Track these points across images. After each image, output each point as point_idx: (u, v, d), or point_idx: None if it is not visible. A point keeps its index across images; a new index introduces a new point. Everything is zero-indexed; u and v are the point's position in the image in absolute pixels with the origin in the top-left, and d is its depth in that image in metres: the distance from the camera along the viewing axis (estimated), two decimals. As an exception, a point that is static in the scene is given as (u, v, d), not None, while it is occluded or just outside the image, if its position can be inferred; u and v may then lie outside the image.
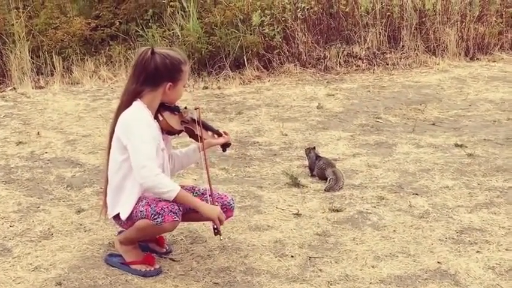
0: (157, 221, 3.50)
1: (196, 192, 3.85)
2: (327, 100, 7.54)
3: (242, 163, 5.50)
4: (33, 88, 8.13)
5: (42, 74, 8.86)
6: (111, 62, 8.99)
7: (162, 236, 3.95)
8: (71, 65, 8.91)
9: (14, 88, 8.17)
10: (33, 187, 4.91)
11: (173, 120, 3.71)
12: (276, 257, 3.89)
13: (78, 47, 9.18)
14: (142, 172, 3.46)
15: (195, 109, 3.82)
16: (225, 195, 3.86)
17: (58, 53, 9.03)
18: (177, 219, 3.53)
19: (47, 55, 8.97)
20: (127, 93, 3.62)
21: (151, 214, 3.51)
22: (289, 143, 6.03)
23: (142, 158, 3.46)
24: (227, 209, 3.82)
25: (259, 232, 4.21)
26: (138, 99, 3.59)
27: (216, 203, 3.75)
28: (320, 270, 3.75)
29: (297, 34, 9.35)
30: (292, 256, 3.91)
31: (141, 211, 3.56)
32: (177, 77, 3.63)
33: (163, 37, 9.02)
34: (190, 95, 7.81)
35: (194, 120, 3.79)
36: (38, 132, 6.20)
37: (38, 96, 7.70)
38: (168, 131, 3.72)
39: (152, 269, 3.69)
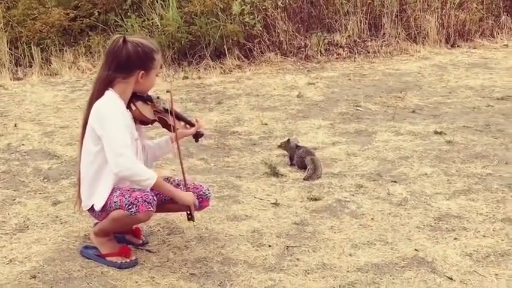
0: (131, 211, 3.47)
1: (171, 183, 3.81)
2: (307, 89, 7.52)
3: (221, 153, 5.47)
4: (11, 80, 8.07)
5: (20, 65, 8.79)
6: (90, 52, 8.92)
7: (139, 227, 3.92)
8: (49, 56, 8.83)
9: (-8, 80, 8.09)
10: (9, 179, 4.87)
11: (146, 110, 3.67)
12: (253, 247, 3.87)
13: (57, 37, 9.09)
14: (119, 161, 3.42)
15: (167, 91, 3.77)
16: (201, 185, 3.84)
17: (37, 44, 8.95)
18: (151, 209, 3.50)
19: (25, 46, 8.90)
20: (99, 81, 3.58)
21: (126, 204, 3.48)
22: (268, 132, 6.00)
23: (118, 146, 3.42)
24: (203, 199, 3.80)
25: (237, 222, 4.19)
26: (111, 89, 3.54)
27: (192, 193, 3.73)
28: (297, 259, 3.73)
29: (278, 23, 9.32)
30: (269, 246, 3.89)
31: (115, 202, 3.53)
32: (149, 65, 3.59)
33: (143, 27, 8.97)
34: (170, 85, 7.75)
35: (167, 110, 3.75)
36: (15, 124, 6.14)
37: (16, 88, 7.64)
38: (141, 120, 3.68)
39: (128, 260, 3.66)
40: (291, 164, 5.18)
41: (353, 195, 4.60)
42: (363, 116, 6.48)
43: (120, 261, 3.64)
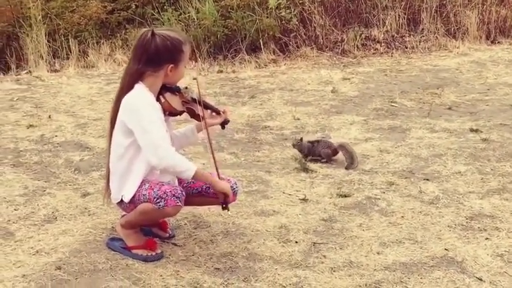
0: (159, 205, 3.46)
1: (202, 175, 3.79)
2: (342, 84, 7.45)
3: (252, 147, 5.44)
4: (48, 71, 8.14)
5: (58, 57, 8.86)
6: (127, 45, 8.96)
7: (166, 221, 3.91)
8: (86, 48, 8.89)
9: (30, 71, 8.18)
10: (40, 170, 4.89)
11: (175, 101, 3.64)
12: (279, 243, 3.83)
13: (94, 30, 9.17)
14: (159, 152, 3.40)
15: (193, 79, 3.74)
16: (229, 179, 3.80)
17: (74, 36, 9.03)
18: (179, 203, 3.48)
19: (63, 38, 8.97)
20: (128, 75, 3.56)
21: (154, 198, 3.47)
22: (301, 127, 5.95)
23: (155, 139, 3.40)
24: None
25: (264, 217, 4.15)
26: (140, 82, 3.53)
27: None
28: (324, 256, 3.68)
29: (314, 17, 9.25)
30: (296, 242, 3.85)
31: (143, 194, 3.51)
32: (178, 58, 3.57)
33: (179, 20, 8.98)
34: (204, 78, 7.76)
35: (195, 99, 3.72)
36: (50, 116, 6.19)
37: (52, 80, 7.70)
38: (170, 112, 3.66)
39: (153, 253, 3.64)
40: (312, 160, 5.10)
41: (383, 192, 4.53)
42: (398, 112, 6.39)
43: (145, 254, 3.63)
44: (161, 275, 3.47)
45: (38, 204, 4.30)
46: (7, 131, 5.80)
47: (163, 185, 3.50)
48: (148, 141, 3.40)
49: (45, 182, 4.68)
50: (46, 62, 8.51)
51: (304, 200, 4.40)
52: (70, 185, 4.64)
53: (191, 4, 9.10)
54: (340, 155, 5.06)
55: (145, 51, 3.51)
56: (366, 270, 3.53)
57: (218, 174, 3.66)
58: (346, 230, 3.99)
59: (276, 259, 3.65)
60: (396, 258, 3.65)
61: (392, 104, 6.65)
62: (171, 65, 3.54)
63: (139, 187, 3.54)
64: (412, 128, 5.88)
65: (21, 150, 5.29)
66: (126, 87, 3.54)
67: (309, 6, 9.24)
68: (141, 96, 3.50)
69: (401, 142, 5.51)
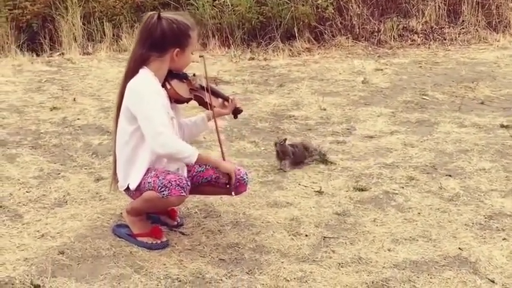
0: (163, 194, 3.40)
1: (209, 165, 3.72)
2: (374, 75, 7.30)
3: (273, 137, 5.31)
4: (80, 54, 8.13)
5: (92, 40, 8.85)
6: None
7: (175, 209, 3.85)
8: (120, 32, 8.87)
9: (62, 54, 8.19)
10: (58, 153, 4.88)
11: (181, 88, 3.57)
12: (289, 236, 3.75)
13: (130, 14, 9.12)
14: (160, 139, 3.34)
15: (200, 56, 3.66)
16: (239, 170, 3.71)
17: (109, 19, 9.00)
18: (183, 193, 3.42)
19: (98, 21, 8.96)
20: (133, 59, 3.51)
21: (159, 186, 3.41)
22: (326, 118, 5.84)
23: (157, 125, 3.35)
24: (240, 184, 3.68)
25: (277, 209, 4.07)
26: (145, 67, 3.47)
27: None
28: (333, 251, 3.59)
29: (351, 6, 9.09)
30: (306, 235, 3.76)
31: (149, 182, 3.46)
32: (184, 42, 3.49)
33: (213, 6, 8.90)
34: (235, 65, 7.68)
35: (203, 87, 3.64)
36: (74, 99, 6.18)
37: (82, 63, 7.70)
38: (176, 99, 3.59)
39: (159, 242, 3.59)
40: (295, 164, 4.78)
41: (402, 187, 4.40)
42: (428, 105, 6.23)
43: (150, 242, 3.59)
44: (164, 264, 3.42)
45: (50, 187, 4.28)
46: (31, 112, 5.80)
47: (168, 173, 3.44)
48: (149, 129, 3.35)
49: (61, 165, 4.67)
50: (80, 44, 8.52)
51: (320, 192, 4.30)
52: (86, 168, 4.62)
53: (226, -10, 9.02)
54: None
55: (151, 35, 3.45)
56: (375, 267, 3.43)
57: (224, 158, 3.60)
58: (359, 225, 3.88)
59: (283, 252, 3.57)
60: (407, 256, 3.54)
61: (424, 97, 6.48)
62: (177, 49, 3.47)
63: (145, 174, 3.49)
64: (441, 122, 5.72)
65: (41, 132, 5.29)
66: (131, 72, 3.49)
67: (346, -5, 9.08)
68: (145, 81, 3.45)
69: (428, 136, 5.36)
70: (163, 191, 3.40)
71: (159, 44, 3.45)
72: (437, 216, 4.00)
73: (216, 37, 8.74)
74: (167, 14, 3.50)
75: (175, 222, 3.84)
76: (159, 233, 3.63)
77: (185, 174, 3.63)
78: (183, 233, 3.74)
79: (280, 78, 7.16)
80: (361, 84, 6.92)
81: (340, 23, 8.98)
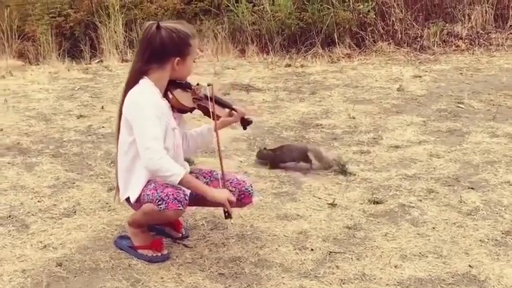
0: (160, 207, 3.34)
1: (214, 176, 3.66)
2: (411, 82, 7.14)
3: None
4: (118, 61, 8.18)
5: (133, 47, 8.90)
6: (201, 36, 8.91)
7: (179, 221, 3.80)
8: (161, 39, 8.88)
9: (101, 61, 8.25)
10: (77, 162, 4.89)
11: (184, 98, 3.52)
12: (294, 250, 3.65)
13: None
14: (146, 154, 3.30)
15: (208, 85, 3.59)
16: (244, 181, 3.64)
17: (150, 27, 9.02)
18: (180, 208, 3.35)
19: (139, 29, 9.00)
20: (134, 69, 3.48)
21: (156, 199, 3.35)
22: (354, 127, 5.71)
23: (146, 139, 3.30)
24: (245, 195, 3.61)
25: (286, 221, 3.98)
26: (146, 77, 3.43)
27: (232, 188, 3.55)
28: (337, 266, 3.48)
29: (394, 11, 8.91)
30: (312, 249, 3.65)
31: (147, 195, 3.41)
32: (185, 51, 3.44)
33: (253, 12, 8.85)
34: (270, 72, 7.61)
35: (208, 97, 3.57)
36: (103, 106, 6.20)
37: (119, 70, 7.74)
38: (178, 109, 3.54)
39: (159, 254, 3.54)
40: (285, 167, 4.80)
41: (420, 200, 4.26)
42: (462, 114, 6.04)
43: (150, 255, 3.53)
44: (162, 277, 3.37)
45: (62, 197, 4.28)
46: (57, 120, 5.85)
47: (167, 186, 3.38)
48: (139, 142, 3.31)
49: (78, 174, 4.67)
50: (120, 52, 8.57)
51: (332, 204, 4.19)
52: (101, 178, 4.61)
53: (266, -4, 8.97)
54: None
55: (150, 45, 3.41)
56: (378, 285, 3.31)
57: (223, 178, 3.51)
58: (369, 240, 3.76)
59: (285, 267, 3.48)
60: (413, 273, 3.40)
61: (459, 105, 6.29)
62: (178, 58, 3.42)
63: (144, 186, 3.45)
64: (472, 131, 5.53)
65: (64, 141, 5.31)
66: (132, 81, 3.46)
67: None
68: (144, 92, 3.40)
69: (456, 146, 5.19)
70: (160, 205, 3.34)
71: (159, 54, 3.40)
72: (452, 231, 3.84)
73: (255, 43, 8.69)
74: (166, 23, 3.45)
75: (180, 235, 3.78)
76: (159, 245, 3.57)
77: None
78: (186, 246, 3.68)
79: (313, 86, 7.06)
80: (396, 91, 6.76)
81: (382, 28, 8.82)
